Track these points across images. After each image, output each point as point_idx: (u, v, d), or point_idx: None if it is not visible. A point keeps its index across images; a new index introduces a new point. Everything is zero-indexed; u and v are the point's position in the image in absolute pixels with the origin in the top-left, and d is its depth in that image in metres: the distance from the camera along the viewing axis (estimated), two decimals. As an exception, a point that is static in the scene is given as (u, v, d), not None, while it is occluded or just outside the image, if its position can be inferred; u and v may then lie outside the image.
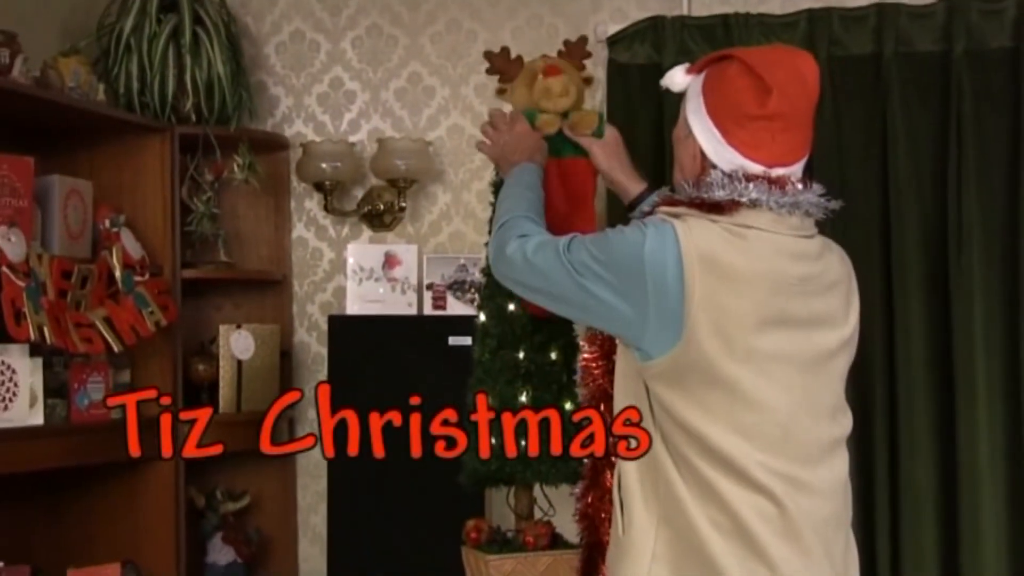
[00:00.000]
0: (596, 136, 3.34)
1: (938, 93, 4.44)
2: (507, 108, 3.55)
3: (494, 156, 3.36)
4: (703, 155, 2.69)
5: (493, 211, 3.60)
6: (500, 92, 3.51)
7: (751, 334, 2.54)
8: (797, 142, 2.67)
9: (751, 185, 2.60)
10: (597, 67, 4.74)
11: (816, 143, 4.42)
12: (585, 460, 2.86)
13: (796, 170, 2.67)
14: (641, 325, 2.57)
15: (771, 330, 2.55)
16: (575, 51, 3.59)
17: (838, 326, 2.71)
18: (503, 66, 3.50)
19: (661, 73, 4.32)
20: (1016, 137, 4.37)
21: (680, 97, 2.83)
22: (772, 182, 2.61)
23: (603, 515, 2.80)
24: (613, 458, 2.75)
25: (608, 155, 3.29)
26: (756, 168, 2.62)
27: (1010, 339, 4.37)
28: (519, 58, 3.50)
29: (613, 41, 4.64)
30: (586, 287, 2.63)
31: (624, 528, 2.65)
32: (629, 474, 2.66)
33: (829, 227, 4.40)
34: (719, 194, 2.60)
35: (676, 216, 2.61)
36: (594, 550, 2.86)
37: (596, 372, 2.82)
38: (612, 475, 2.76)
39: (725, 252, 2.55)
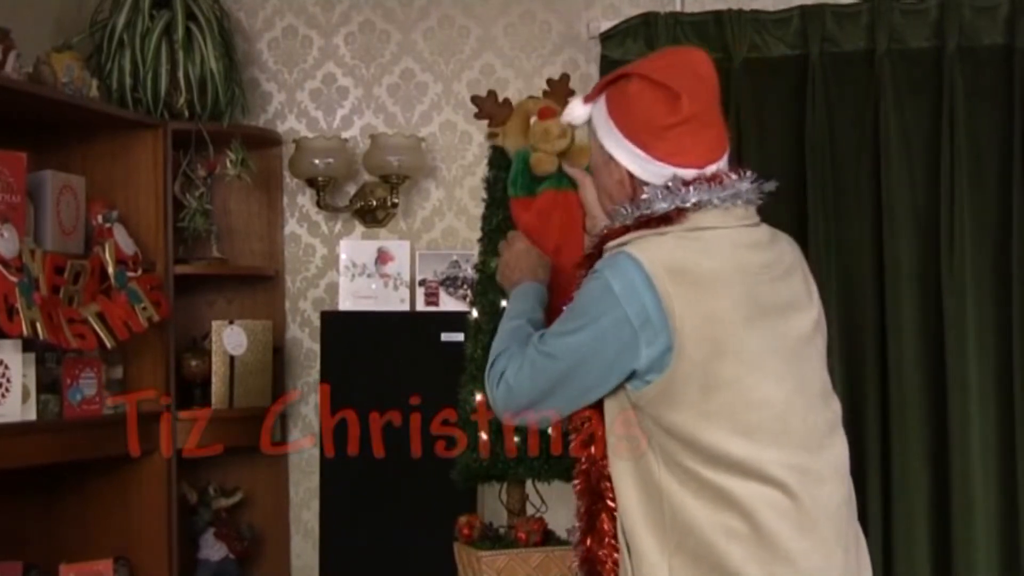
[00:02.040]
0: (588, 170, 3.30)
1: (931, 89, 4.47)
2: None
3: (499, 280, 3.23)
4: (631, 176, 2.68)
5: (486, 207, 3.61)
6: (491, 136, 3.44)
7: (738, 331, 2.53)
8: (716, 137, 2.67)
9: (691, 189, 2.59)
10: (590, 64, 4.79)
11: (808, 139, 4.46)
12: (578, 504, 2.78)
13: (724, 164, 2.67)
14: (634, 361, 2.55)
15: (754, 324, 2.55)
16: (559, 90, 3.50)
17: (806, 309, 2.70)
18: (492, 110, 3.43)
19: None
20: (1008, 134, 4.40)
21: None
22: (709, 180, 2.61)
23: (604, 559, 2.72)
24: (608, 502, 2.69)
25: (597, 191, 3.18)
26: (689, 173, 2.61)
27: (1002, 335, 4.40)
28: (507, 101, 3.45)
29: (606, 37, 4.65)
30: (575, 369, 2.61)
31: (633, 571, 2.61)
32: (631, 512, 2.62)
33: (823, 223, 4.45)
34: (662, 206, 2.59)
35: (623, 245, 2.60)
36: None
37: (584, 414, 2.74)
38: (608, 519, 2.70)
39: (688, 258, 2.55)
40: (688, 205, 2.59)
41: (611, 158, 2.71)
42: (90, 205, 4.20)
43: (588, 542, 2.73)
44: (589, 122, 2.78)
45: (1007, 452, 4.37)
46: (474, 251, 3.82)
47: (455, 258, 4.70)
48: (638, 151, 2.64)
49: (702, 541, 2.51)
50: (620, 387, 2.61)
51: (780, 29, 4.55)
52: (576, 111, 2.82)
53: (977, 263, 4.40)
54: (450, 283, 4.67)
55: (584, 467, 2.72)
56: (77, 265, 3.94)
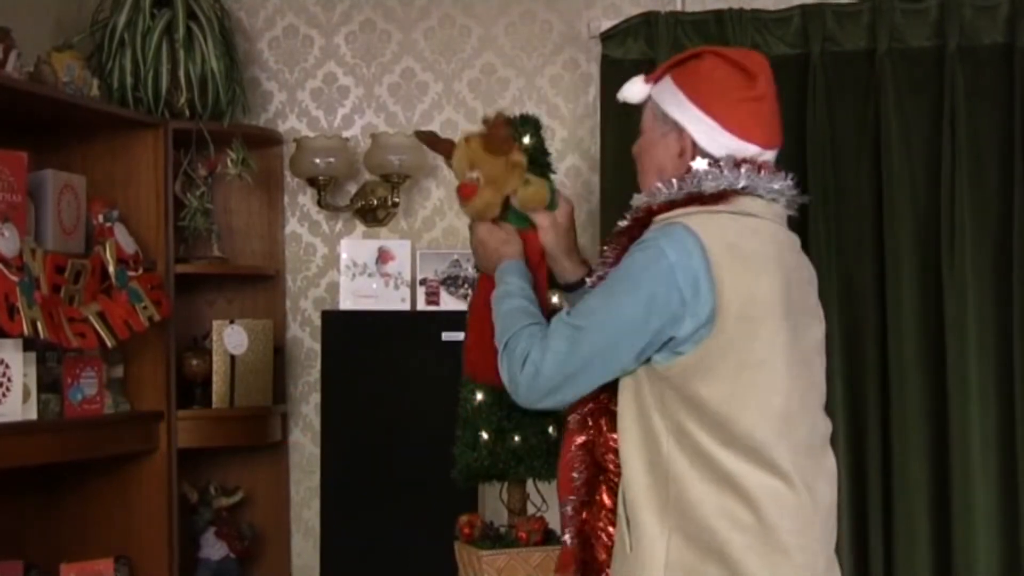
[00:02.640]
0: (549, 208, 3.10)
1: (931, 89, 4.47)
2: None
3: (478, 265, 3.18)
4: (695, 146, 2.66)
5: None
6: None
7: (774, 317, 2.53)
8: (779, 126, 2.70)
9: (742, 171, 2.60)
10: (590, 63, 4.81)
11: (809, 138, 4.45)
12: (574, 475, 2.74)
13: (773, 157, 2.69)
14: (676, 331, 2.52)
15: (787, 315, 2.55)
16: (494, 136, 3.08)
17: (820, 321, 2.73)
18: (435, 146, 3.23)
19: (655, 69, 4.33)
20: (1009, 133, 4.40)
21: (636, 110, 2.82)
22: (760, 167, 2.62)
23: (599, 532, 2.70)
24: (611, 475, 2.67)
25: (557, 234, 3.08)
26: (752, 150, 2.62)
27: (1002, 334, 4.40)
28: (448, 140, 3.20)
29: (606, 37, 4.66)
30: (618, 341, 2.56)
31: (632, 544, 2.59)
32: (635, 486, 2.60)
33: (823, 223, 4.44)
34: (711, 185, 2.59)
35: (675, 218, 2.59)
36: (588, 570, 2.74)
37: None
38: (608, 493, 2.68)
39: (739, 238, 2.55)
40: (737, 187, 2.59)
41: (674, 128, 2.69)
42: (91, 204, 4.20)
43: (584, 515, 2.71)
44: (645, 102, 2.78)
45: (1008, 451, 4.37)
46: (475, 250, 3.82)
47: (456, 257, 4.69)
48: (709, 120, 2.64)
49: (704, 525, 2.51)
50: None
51: (781, 28, 4.56)
52: (634, 89, 2.81)
53: (977, 262, 4.40)
54: (451, 282, 4.66)
55: (589, 438, 2.69)
56: (78, 264, 3.94)
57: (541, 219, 3.06)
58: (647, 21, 4.62)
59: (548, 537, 3.64)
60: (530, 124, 3.65)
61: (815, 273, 2.79)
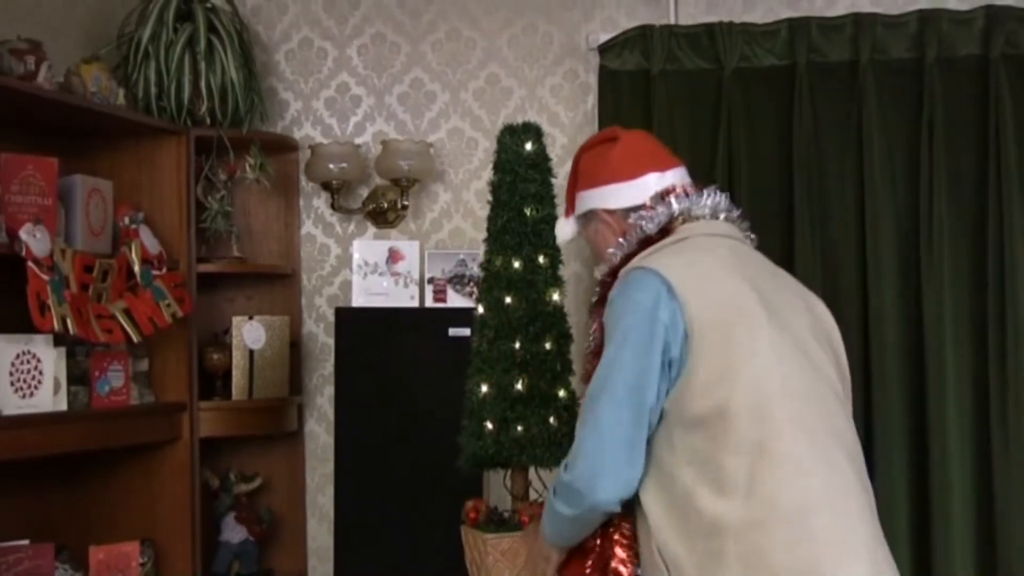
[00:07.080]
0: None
1: (911, 98, 4.52)
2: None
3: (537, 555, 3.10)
4: (609, 214, 2.84)
5: (491, 209, 3.69)
6: None
7: (749, 315, 2.60)
8: (666, 152, 2.85)
9: (670, 199, 2.73)
10: (589, 73, 4.86)
11: (795, 144, 4.42)
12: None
13: (684, 176, 2.83)
14: (669, 355, 2.56)
15: (764, 310, 2.63)
16: None
17: (807, 309, 2.84)
18: None
19: (650, 79, 4.38)
20: (983, 139, 4.45)
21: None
22: (685, 192, 2.75)
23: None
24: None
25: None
26: (651, 179, 2.77)
27: (978, 329, 4.45)
28: None
29: (604, 48, 4.71)
30: (641, 390, 2.57)
31: None
32: (665, 530, 2.59)
33: (808, 224, 4.45)
34: (650, 226, 2.72)
35: (631, 265, 2.68)
36: None
37: None
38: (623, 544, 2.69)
39: (694, 256, 2.64)
40: (675, 213, 2.70)
41: (591, 218, 2.88)
42: (117, 207, 4.26)
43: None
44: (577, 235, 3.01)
45: (983, 441, 4.41)
46: (480, 250, 3.80)
47: (462, 257, 4.73)
48: (601, 187, 2.82)
49: (713, 532, 2.53)
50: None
51: (769, 41, 4.61)
52: (564, 229, 3.02)
53: (954, 261, 4.43)
54: (457, 281, 4.69)
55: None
56: (105, 264, 4.02)
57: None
58: (643, 34, 4.65)
59: (550, 522, 3.71)
60: (532, 131, 3.76)
61: (782, 270, 2.89)
